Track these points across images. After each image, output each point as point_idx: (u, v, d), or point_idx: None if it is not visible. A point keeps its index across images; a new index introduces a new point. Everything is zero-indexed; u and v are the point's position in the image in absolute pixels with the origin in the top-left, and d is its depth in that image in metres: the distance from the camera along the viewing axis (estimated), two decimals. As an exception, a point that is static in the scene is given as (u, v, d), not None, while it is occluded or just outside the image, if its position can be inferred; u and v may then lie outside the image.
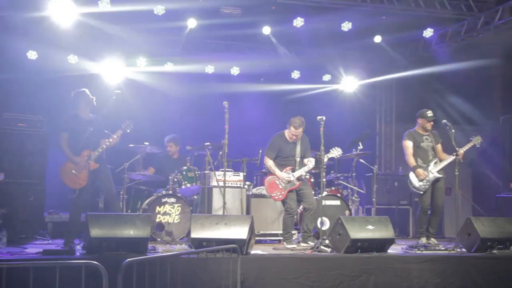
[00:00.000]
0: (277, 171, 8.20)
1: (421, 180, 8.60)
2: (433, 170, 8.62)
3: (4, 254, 6.57)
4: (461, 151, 8.33)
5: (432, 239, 8.61)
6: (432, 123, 8.81)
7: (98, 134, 8.07)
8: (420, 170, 8.61)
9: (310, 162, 8.24)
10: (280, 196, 8.18)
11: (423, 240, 8.56)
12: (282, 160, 8.31)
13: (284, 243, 8.09)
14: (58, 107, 11.16)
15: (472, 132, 8.96)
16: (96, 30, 11.22)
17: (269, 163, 8.30)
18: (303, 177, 8.33)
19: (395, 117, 13.80)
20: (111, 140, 8.01)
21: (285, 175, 8.15)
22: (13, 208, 8.50)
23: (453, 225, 8.46)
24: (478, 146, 8.66)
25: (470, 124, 13.48)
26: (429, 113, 8.79)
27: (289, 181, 8.15)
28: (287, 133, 8.31)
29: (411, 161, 8.75)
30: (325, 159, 8.38)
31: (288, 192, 8.15)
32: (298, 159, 8.29)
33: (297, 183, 8.18)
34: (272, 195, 8.25)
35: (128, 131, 8.14)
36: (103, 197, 8.71)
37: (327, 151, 8.44)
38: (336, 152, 8.60)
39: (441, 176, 8.70)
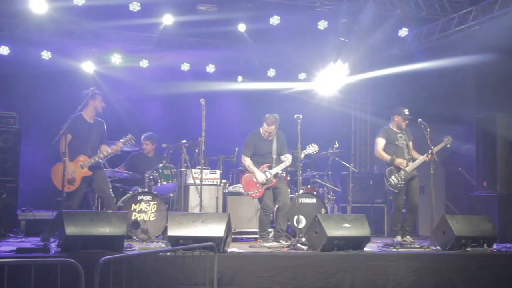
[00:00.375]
0: (256, 170, 8.17)
1: (402, 170, 8.60)
2: (409, 169, 8.67)
3: (-24, 253, 6.45)
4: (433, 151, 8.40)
5: (408, 236, 8.66)
6: (407, 121, 8.87)
7: (98, 139, 8.03)
8: (399, 159, 8.62)
9: (287, 159, 8.24)
10: (258, 194, 8.18)
11: (398, 238, 8.61)
12: (259, 157, 8.30)
13: (261, 241, 8.09)
14: (31, 103, 11.13)
15: (447, 131, 9.03)
16: (70, 26, 11.13)
17: (247, 162, 8.28)
18: (279, 175, 8.32)
19: (370, 116, 13.89)
20: (109, 151, 8.00)
21: (262, 176, 8.13)
22: (-15, 206, 8.36)
23: (428, 223, 8.52)
24: (449, 146, 8.73)
25: (445, 123, 13.64)
26: (406, 111, 8.84)
27: (267, 180, 8.14)
28: (261, 130, 8.30)
29: (384, 155, 8.75)
30: (302, 156, 8.39)
31: (265, 189, 8.14)
32: (275, 156, 8.28)
33: (274, 180, 8.17)
34: (250, 193, 8.24)
35: (129, 144, 8.29)
36: (98, 198, 8.62)
37: (303, 148, 8.45)
38: (312, 149, 8.61)
39: (415, 174, 8.76)
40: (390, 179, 8.68)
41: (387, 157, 8.73)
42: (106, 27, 11.36)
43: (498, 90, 11.20)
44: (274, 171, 8.19)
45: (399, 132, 8.89)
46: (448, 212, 12.02)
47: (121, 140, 8.10)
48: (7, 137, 9.14)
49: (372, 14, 10.83)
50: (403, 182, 8.64)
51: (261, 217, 8.23)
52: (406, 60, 12.80)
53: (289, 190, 8.79)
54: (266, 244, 7.87)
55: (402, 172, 8.61)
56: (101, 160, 8.10)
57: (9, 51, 11.22)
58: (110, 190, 8.17)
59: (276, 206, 8.45)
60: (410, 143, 8.95)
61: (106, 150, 8.01)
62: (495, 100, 11.12)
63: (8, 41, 11.17)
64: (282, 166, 8.26)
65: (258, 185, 8.16)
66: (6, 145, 9.12)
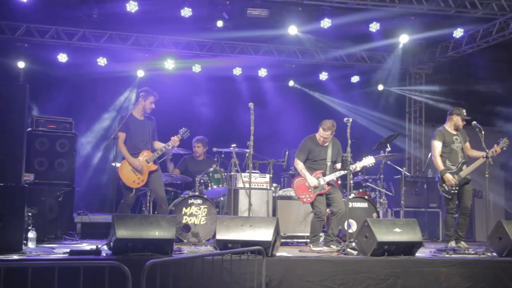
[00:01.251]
0: (307, 175, 8.11)
1: (450, 186, 8.41)
2: (463, 174, 8.44)
3: (32, 254, 6.63)
4: (491, 152, 8.16)
5: (462, 242, 8.42)
6: (465, 122, 8.62)
7: (150, 135, 8.23)
8: (448, 175, 8.39)
9: (340, 171, 8.19)
10: (309, 199, 8.11)
11: (452, 243, 8.38)
12: (312, 163, 8.22)
13: (311, 245, 8.03)
14: (87, 109, 11.43)
15: (504, 134, 8.75)
16: (125, 33, 11.39)
17: (299, 165, 8.23)
18: (332, 182, 8.24)
19: (425, 119, 13.64)
20: (170, 144, 8.17)
21: (314, 180, 8.07)
22: (43, 209, 8.60)
23: (484, 228, 8.27)
24: (505, 149, 8.46)
25: (502, 125, 13.27)
26: (464, 112, 8.61)
27: (319, 185, 8.08)
28: (317, 135, 8.24)
29: (439, 164, 8.53)
30: (358, 167, 8.28)
31: (316, 195, 8.08)
32: (329, 163, 8.19)
33: (327, 187, 8.09)
34: (301, 197, 8.18)
35: (185, 137, 8.36)
36: (152, 199, 8.79)
37: (359, 159, 8.35)
38: (368, 161, 8.40)
39: (469, 179, 8.53)
40: (444, 185, 8.46)
41: (440, 166, 8.49)
42: (159, 32, 11.56)
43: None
44: (328, 178, 8.10)
45: (455, 133, 8.65)
46: (508, 218, 11.69)
47: (178, 134, 8.23)
48: (64, 141, 9.41)
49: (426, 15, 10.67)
50: (457, 188, 8.41)
51: (313, 222, 8.15)
52: (462, 61, 12.56)
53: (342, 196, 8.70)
54: (315, 249, 7.81)
55: (456, 177, 8.39)
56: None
57: (67, 58, 11.57)
58: (163, 191, 8.31)
59: (330, 210, 8.38)
60: (467, 144, 8.69)
61: (160, 145, 8.19)
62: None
63: (67, 48, 11.52)
64: (337, 174, 8.18)
65: (310, 190, 8.09)
66: (63, 149, 9.39)
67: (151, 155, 8.11)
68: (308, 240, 8.32)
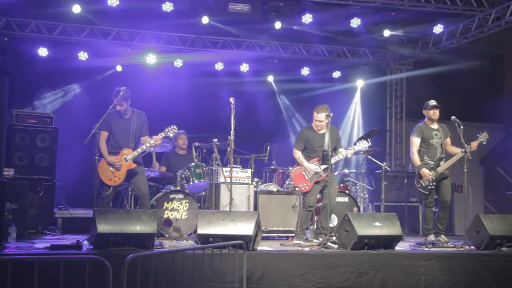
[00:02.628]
0: (305, 162, 8.17)
1: (427, 181, 8.50)
2: (440, 170, 8.52)
3: (12, 249, 6.60)
4: (469, 147, 8.24)
5: (442, 236, 8.51)
6: (435, 110, 8.62)
7: (138, 132, 8.16)
8: (425, 171, 8.46)
9: (340, 154, 8.22)
10: (307, 187, 8.14)
11: (431, 237, 8.47)
12: (310, 152, 8.25)
13: (295, 237, 8.08)
14: (68, 103, 11.39)
15: (484, 129, 8.84)
16: (106, 27, 11.35)
17: (298, 154, 8.27)
18: (332, 172, 8.24)
19: (406, 114, 13.75)
20: (152, 142, 8.03)
21: (312, 166, 8.12)
22: (23, 204, 8.51)
23: (463, 222, 8.38)
24: (484, 143, 8.55)
25: (482, 121, 13.43)
26: (431, 102, 8.67)
27: (316, 173, 8.12)
28: (313, 123, 8.28)
29: (416, 159, 8.58)
30: (349, 154, 8.34)
31: (314, 183, 8.12)
32: (327, 149, 8.19)
33: (324, 174, 8.11)
34: (299, 186, 8.22)
35: (171, 135, 8.22)
36: (133, 194, 8.77)
37: (354, 143, 8.44)
38: (362, 145, 8.48)
39: (447, 174, 8.61)
40: (421, 181, 8.55)
41: (417, 162, 8.56)
42: (140, 27, 11.54)
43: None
44: (324, 165, 8.14)
45: (436, 128, 8.71)
46: (486, 212, 11.83)
47: (162, 132, 8.13)
48: (44, 136, 9.36)
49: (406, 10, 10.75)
50: (434, 184, 8.50)
51: (302, 214, 8.22)
52: (442, 57, 12.67)
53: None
54: (295, 242, 7.86)
55: (433, 172, 8.47)
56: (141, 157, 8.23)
57: (47, 53, 11.50)
58: (147, 188, 8.29)
59: (319, 204, 8.44)
60: (448, 140, 8.75)
61: (148, 141, 8.08)
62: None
63: (47, 42, 11.45)
64: (337, 158, 8.22)
65: (307, 178, 8.13)
66: (43, 144, 9.34)
67: (131, 152, 8.02)
68: (292, 234, 8.37)
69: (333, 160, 8.15)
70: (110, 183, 7.99)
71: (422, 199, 8.87)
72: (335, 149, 8.31)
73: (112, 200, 8.44)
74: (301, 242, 7.88)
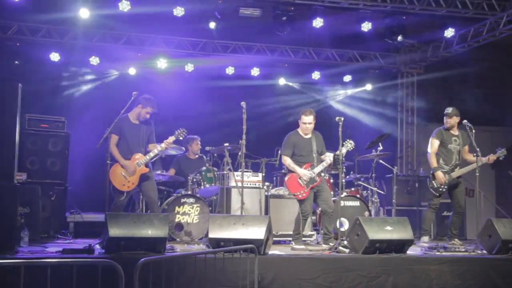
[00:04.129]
0: (297, 168, 8.12)
1: (439, 184, 8.51)
2: (454, 175, 8.54)
3: (24, 253, 6.64)
4: (486, 159, 8.30)
5: (456, 239, 8.53)
6: (451, 118, 8.67)
7: (146, 138, 8.22)
8: (440, 174, 8.51)
9: (327, 157, 8.19)
10: (304, 194, 8.08)
11: (425, 238, 8.53)
12: (300, 157, 8.23)
13: (293, 243, 8.07)
14: (79, 108, 11.45)
15: (496, 133, 8.84)
16: (117, 32, 11.42)
17: (288, 161, 8.23)
18: (322, 174, 8.25)
19: (416, 118, 13.71)
20: (163, 145, 8.13)
21: (306, 172, 8.10)
22: (35, 208, 8.58)
23: (475, 227, 8.35)
24: (501, 159, 8.61)
25: (494, 125, 13.37)
26: (447, 110, 8.73)
27: (310, 178, 8.12)
28: (300, 129, 8.27)
29: (433, 161, 8.65)
30: (343, 152, 8.32)
31: (310, 189, 8.10)
32: (315, 155, 8.21)
33: (318, 179, 8.12)
34: (296, 194, 8.18)
35: (181, 138, 8.32)
36: (143, 202, 8.80)
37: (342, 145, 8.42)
38: (349, 145, 8.40)
39: (459, 181, 8.63)
40: (434, 182, 8.58)
41: (434, 163, 8.63)
42: (151, 32, 11.59)
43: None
44: (317, 170, 8.10)
45: (456, 134, 8.74)
46: (499, 216, 11.77)
47: (173, 135, 8.21)
48: (56, 141, 9.41)
49: (417, 14, 10.73)
50: (445, 187, 8.53)
51: (297, 219, 8.18)
52: (453, 61, 12.64)
53: (332, 193, 8.74)
54: (297, 247, 7.85)
55: (446, 176, 8.48)
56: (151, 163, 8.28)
57: (59, 57, 11.58)
58: (156, 194, 8.32)
59: (319, 209, 8.42)
60: (466, 147, 8.78)
61: (156, 147, 8.16)
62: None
63: (58, 47, 11.52)
64: (324, 164, 8.18)
65: (302, 185, 8.11)
66: (55, 148, 9.39)
67: (142, 158, 8.08)
68: (305, 238, 8.39)
69: (321, 167, 8.14)
70: (124, 188, 8.03)
71: (428, 199, 8.89)
72: (320, 154, 8.30)
73: (126, 204, 8.48)
74: (302, 246, 7.87)
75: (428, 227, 8.63)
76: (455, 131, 8.77)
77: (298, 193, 8.12)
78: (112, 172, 7.99)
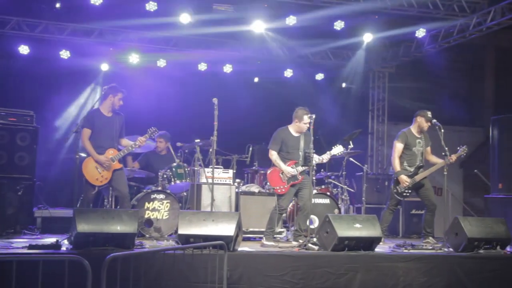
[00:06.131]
0: (282, 164, 8.11)
1: (404, 187, 8.60)
2: (418, 178, 8.62)
3: (-11, 249, 6.56)
4: (449, 159, 8.36)
5: (430, 238, 8.62)
6: (428, 123, 8.74)
7: (118, 132, 8.16)
8: (403, 177, 8.57)
9: (314, 158, 8.20)
10: (283, 190, 8.10)
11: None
12: (286, 154, 8.23)
13: (264, 238, 8.08)
14: (49, 102, 11.30)
15: (465, 132, 8.97)
16: (89, 26, 11.30)
17: (274, 156, 8.21)
18: (305, 173, 8.24)
19: (387, 117, 13.84)
20: (137, 143, 8.10)
21: (289, 169, 8.10)
22: (1, 203, 8.48)
23: (442, 225, 8.47)
24: (463, 157, 8.72)
25: (463, 125, 13.57)
26: (429, 114, 8.74)
27: (293, 175, 8.13)
28: (293, 127, 8.25)
29: (396, 165, 8.68)
30: (325, 159, 8.36)
31: (290, 186, 8.12)
32: (301, 153, 8.21)
33: (300, 177, 8.13)
34: (275, 188, 8.18)
35: (153, 137, 8.37)
36: (114, 194, 8.73)
37: (329, 149, 8.43)
38: (337, 150, 8.46)
39: (423, 183, 8.69)
40: (397, 187, 8.67)
41: (397, 167, 8.67)
42: (123, 26, 11.48)
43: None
44: (301, 168, 8.13)
45: (419, 137, 8.80)
46: (466, 215, 11.95)
47: (146, 134, 8.19)
48: (24, 135, 9.24)
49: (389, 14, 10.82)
50: (409, 192, 8.63)
51: (272, 215, 8.18)
52: (424, 60, 12.78)
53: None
54: (268, 243, 7.86)
55: (410, 180, 8.57)
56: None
57: (28, 51, 11.41)
58: (127, 189, 8.26)
59: (297, 205, 8.45)
60: (428, 149, 8.86)
61: (129, 143, 8.13)
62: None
63: (28, 40, 11.35)
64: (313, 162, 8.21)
65: (283, 181, 8.12)
66: (23, 143, 9.22)
67: (116, 153, 8.01)
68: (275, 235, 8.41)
69: (304, 167, 8.17)
70: (96, 183, 7.93)
71: (387, 200, 8.99)
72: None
73: (94, 200, 8.41)
74: (272, 243, 7.88)
75: (385, 227, 8.68)
76: (419, 133, 8.86)
77: (278, 188, 8.13)
78: (85, 165, 7.90)
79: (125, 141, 8.23)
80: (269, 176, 8.32)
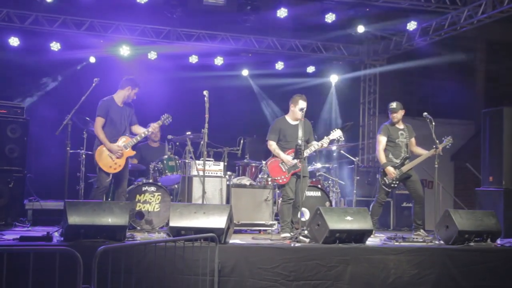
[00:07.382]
0: (281, 153, 8.10)
1: (391, 178, 8.66)
2: (404, 169, 8.67)
3: (-20, 241, 6.53)
4: (435, 150, 8.39)
5: (421, 230, 8.68)
6: (397, 113, 8.81)
7: (128, 121, 8.20)
8: (390, 169, 8.65)
9: (312, 146, 8.19)
10: (284, 179, 8.08)
11: None
12: (284, 143, 8.21)
13: (281, 232, 8.08)
14: (40, 94, 11.25)
15: (456, 125, 9.00)
16: (79, 18, 11.24)
17: (273, 146, 8.20)
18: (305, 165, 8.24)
19: (379, 110, 13.87)
20: (150, 129, 8.20)
21: (289, 158, 8.07)
22: (-8, 195, 8.43)
23: (433, 217, 8.51)
24: (448, 147, 8.74)
25: (454, 117, 13.61)
26: (391, 105, 8.86)
27: (293, 164, 8.12)
28: (290, 115, 8.25)
29: (381, 157, 8.78)
30: (325, 144, 8.28)
31: (291, 175, 8.10)
32: (300, 142, 8.16)
33: (300, 166, 8.10)
34: (276, 178, 8.17)
35: (167, 124, 8.35)
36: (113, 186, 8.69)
37: (327, 134, 8.37)
38: (337, 134, 8.31)
39: (410, 174, 8.75)
40: (385, 178, 8.74)
41: (382, 160, 8.77)
42: (114, 19, 11.44)
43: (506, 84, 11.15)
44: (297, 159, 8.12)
45: (401, 128, 8.86)
46: (456, 207, 12.01)
47: (159, 120, 8.27)
48: (15, 127, 9.17)
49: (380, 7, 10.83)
50: (397, 182, 8.73)
51: (281, 207, 8.18)
52: (415, 53, 12.81)
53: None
54: (283, 235, 7.85)
55: (397, 171, 8.63)
56: None
57: (18, 42, 11.35)
58: (127, 183, 8.28)
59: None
60: (413, 140, 8.92)
61: (142, 130, 8.21)
62: (504, 94, 11.07)
63: (18, 32, 11.29)
64: (308, 152, 8.19)
65: (284, 170, 8.10)
66: (14, 135, 9.16)
67: (129, 140, 8.07)
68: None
69: (308, 151, 8.17)
70: (111, 170, 7.95)
71: (376, 193, 9.04)
72: (307, 142, 8.30)
73: (85, 192, 8.38)
74: (289, 235, 7.82)
75: (375, 220, 8.72)
76: (401, 125, 8.90)
77: (279, 178, 8.13)
78: (99, 154, 7.93)
79: (138, 128, 8.27)
80: (269, 167, 8.30)
